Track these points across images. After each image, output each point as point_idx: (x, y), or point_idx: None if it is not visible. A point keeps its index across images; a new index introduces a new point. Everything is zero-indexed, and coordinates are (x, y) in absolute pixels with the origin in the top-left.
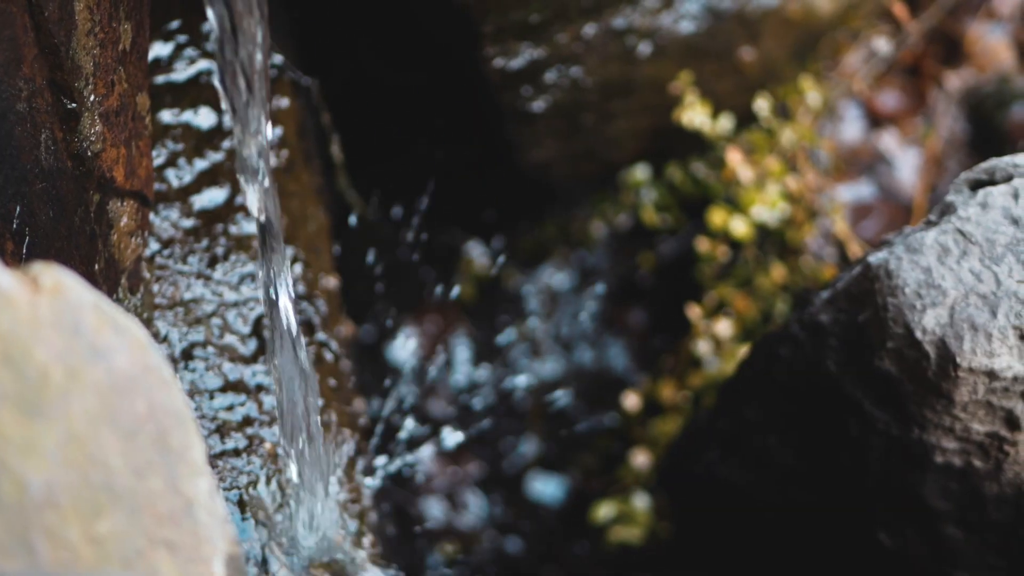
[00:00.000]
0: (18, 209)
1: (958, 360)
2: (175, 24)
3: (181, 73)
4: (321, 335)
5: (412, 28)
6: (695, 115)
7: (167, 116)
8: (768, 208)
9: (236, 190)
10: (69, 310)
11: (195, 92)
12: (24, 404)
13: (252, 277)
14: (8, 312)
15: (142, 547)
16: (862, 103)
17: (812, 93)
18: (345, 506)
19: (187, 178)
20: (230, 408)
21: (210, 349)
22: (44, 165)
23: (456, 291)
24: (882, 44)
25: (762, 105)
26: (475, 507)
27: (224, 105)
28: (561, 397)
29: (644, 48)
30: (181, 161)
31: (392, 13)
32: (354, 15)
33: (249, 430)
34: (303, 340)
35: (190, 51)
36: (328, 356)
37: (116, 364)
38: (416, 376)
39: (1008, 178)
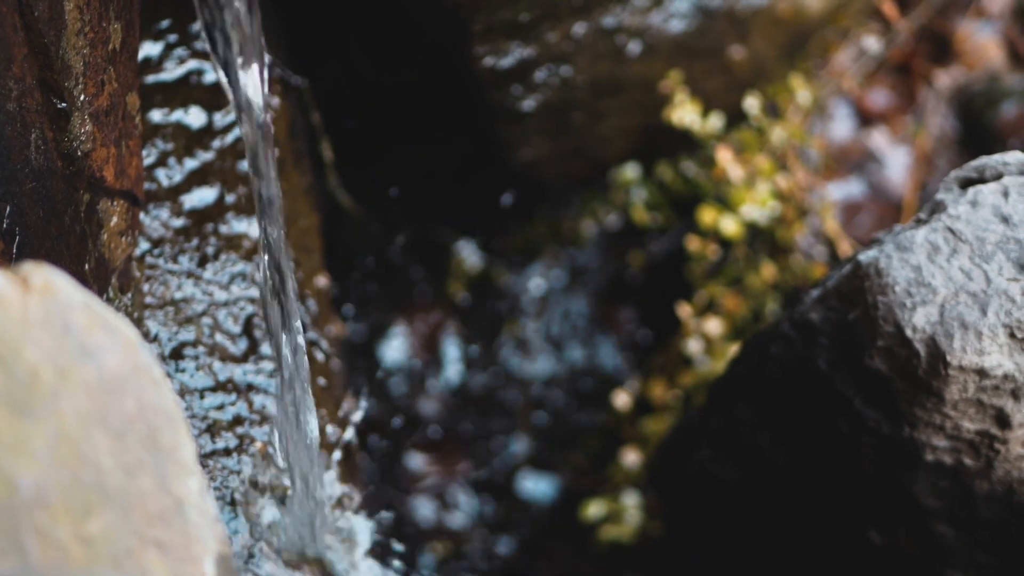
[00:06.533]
0: (8, 209)
1: (948, 358)
2: (165, 23)
3: (171, 72)
4: (312, 334)
5: (403, 27)
6: (685, 114)
7: (157, 116)
8: (758, 207)
9: (226, 189)
10: (59, 310)
11: (185, 91)
12: (14, 404)
13: (243, 276)
14: None
15: (132, 547)
16: (852, 101)
17: (802, 92)
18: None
19: (177, 177)
20: (220, 407)
21: (200, 348)
22: (34, 165)
23: (446, 290)
24: (872, 43)
25: (752, 104)
26: (465, 506)
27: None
28: (552, 396)
29: (634, 47)
30: (171, 160)
31: (382, 12)
32: (344, 14)
33: (239, 429)
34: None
35: (180, 51)
36: (319, 355)
37: (106, 364)
38: (407, 375)
39: (998, 176)
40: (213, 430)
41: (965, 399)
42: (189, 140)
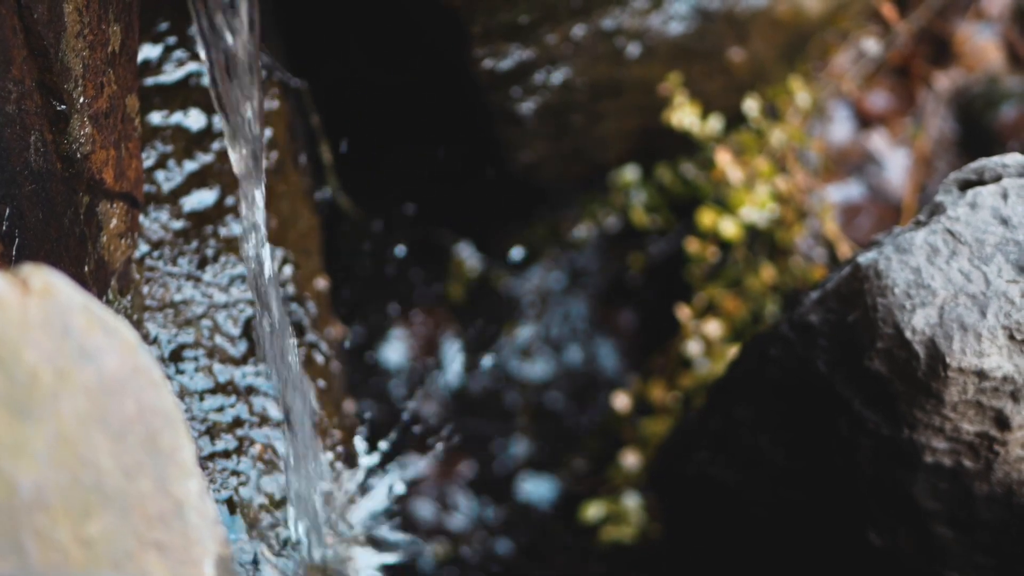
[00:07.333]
0: (8, 211)
1: (948, 360)
2: (164, 26)
3: (170, 75)
4: (311, 336)
5: (402, 29)
6: (684, 116)
7: (156, 118)
8: (757, 209)
9: (226, 192)
10: (58, 312)
11: (184, 94)
12: (13, 405)
13: (242, 279)
14: None
15: (132, 548)
16: (851, 103)
17: (801, 94)
18: None
19: (177, 180)
20: (220, 410)
21: (200, 350)
22: (34, 167)
23: (446, 292)
24: (871, 45)
25: (751, 106)
26: (465, 508)
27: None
28: (551, 398)
29: (633, 49)
30: (171, 163)
31: (382, 14)
32: (344, 16)
33: (239, 431)
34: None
35: (179, 53)
36: (318, 357)
37: (106, 365)
38: (406, 377)
39: (997, 178)
40: (213, 432)
41: (964, 401)
42: (188, 142)
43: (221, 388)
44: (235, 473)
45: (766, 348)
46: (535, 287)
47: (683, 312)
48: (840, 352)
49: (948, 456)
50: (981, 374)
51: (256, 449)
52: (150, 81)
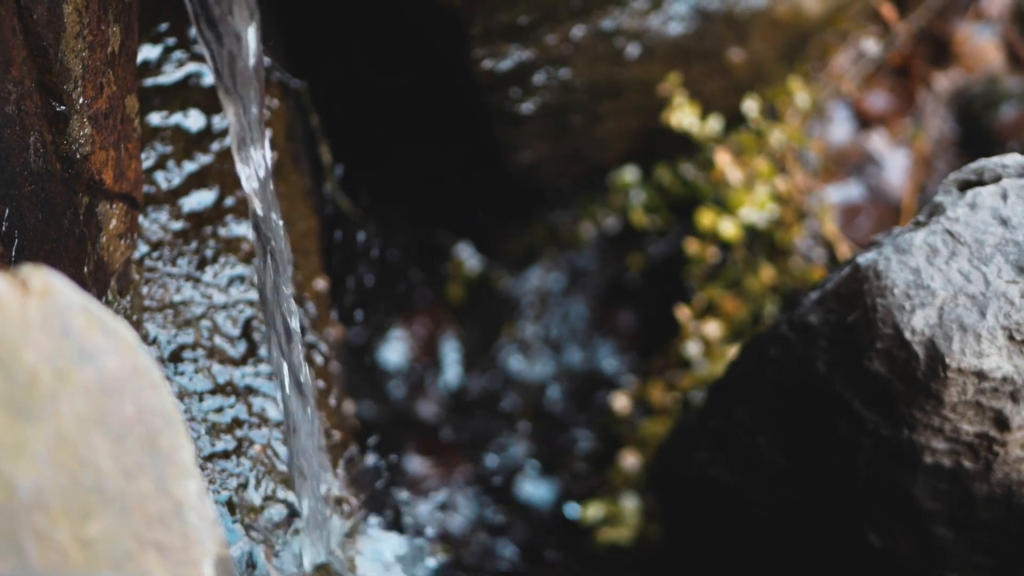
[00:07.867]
0: (7, 212)
1: (947, 361)
2: (163, 27)
3: (170, 76)
4: (310, 337)
5: (402, 29)
6: (684, 116)
7: (156, 118)
8: (757, 209)
9: (225, 192)
10: (58, 312)
11: (184, 94)
12: (13, 406)
13: (242, 279)
14: None
15: (132, 549)
16: (851, 104)
17: (801, 94)
18: None
19: (176, 180)
20: (219, 410)
21: (199, 351)
22: (33, 168)
23: (446, 292)
24: (871, 45)
25: (751, 106)
26: (465, 509)
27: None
28: (551, 398)
29: (633, 50)
30: (170, 163)
31: (382, 15)
32: (344, 16)
33: (239, 432)
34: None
35: (179, 54)
36: (318, 358)
37: (105, 366)
38: (406, 377)
39: (997, 179)
40: (212, 433)
41: (964, 401)
42: (188, 143)
43: (220, 389)
44: (234, 474)
45: (765, 349)
46: (535, 287)
47: (683, 313)
48: (840, 352)
49: (948, 457)
50: (980, 375)
51: (255, 450)
52: (150, 82)
